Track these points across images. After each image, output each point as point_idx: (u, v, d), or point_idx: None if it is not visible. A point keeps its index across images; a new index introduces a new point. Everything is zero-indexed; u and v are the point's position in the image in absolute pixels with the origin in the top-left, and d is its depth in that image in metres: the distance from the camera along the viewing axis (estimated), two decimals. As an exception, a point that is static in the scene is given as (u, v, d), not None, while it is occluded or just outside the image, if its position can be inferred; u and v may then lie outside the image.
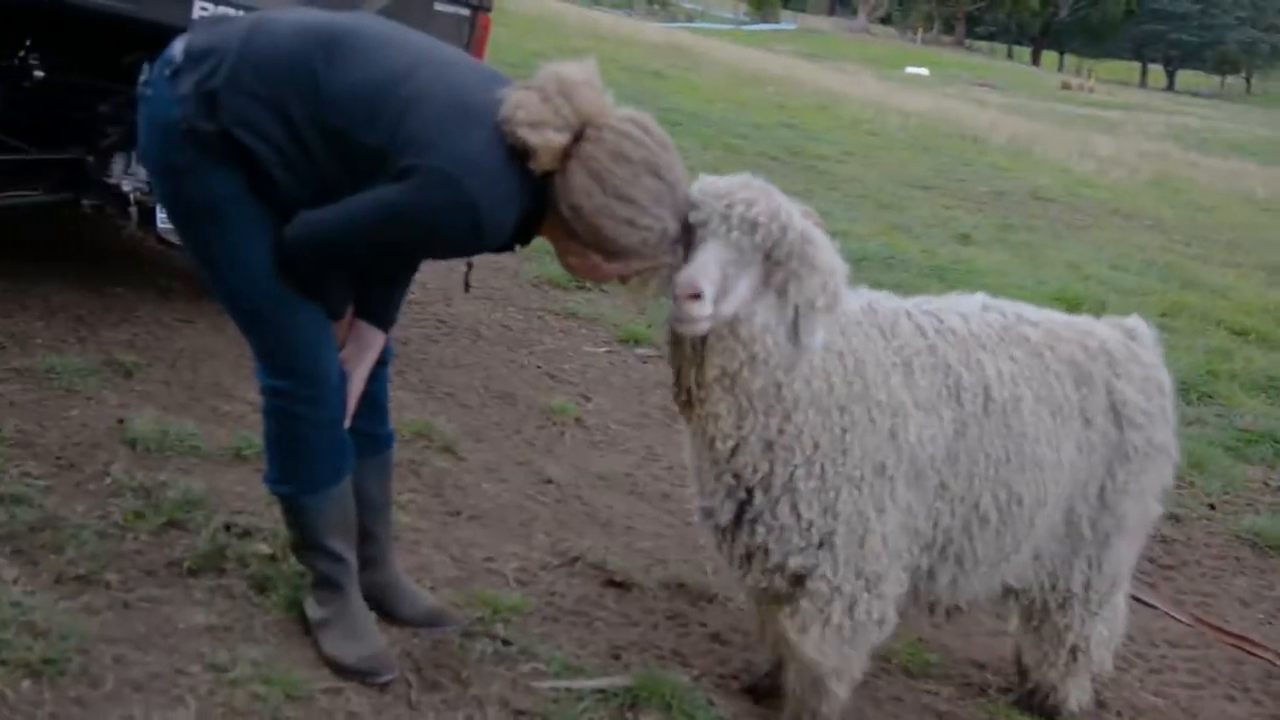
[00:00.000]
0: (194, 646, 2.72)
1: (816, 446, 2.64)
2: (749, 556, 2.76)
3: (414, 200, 2.40)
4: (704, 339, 2.52)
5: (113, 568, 2.94)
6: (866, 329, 2.73)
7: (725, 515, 2.73)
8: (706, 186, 2.52)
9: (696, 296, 2.40)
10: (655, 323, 6.30)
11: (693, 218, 2.47)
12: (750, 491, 2.68)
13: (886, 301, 2.87)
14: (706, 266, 2.43)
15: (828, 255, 2.55)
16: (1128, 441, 3.02)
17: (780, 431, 2.61)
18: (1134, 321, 3.22)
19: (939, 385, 2.78)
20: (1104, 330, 3.12)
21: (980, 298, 3.06)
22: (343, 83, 2.46)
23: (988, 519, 2.85)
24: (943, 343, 2.83)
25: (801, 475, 2.64)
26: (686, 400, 2.63)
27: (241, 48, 2.49)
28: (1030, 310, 3.09)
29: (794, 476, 2.64)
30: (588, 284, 2.36)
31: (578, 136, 2.40)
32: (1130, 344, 3.11)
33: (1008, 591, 3.15)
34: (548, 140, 2.37)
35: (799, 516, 2.67)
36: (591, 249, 2.47)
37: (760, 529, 2.70)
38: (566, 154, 2.40)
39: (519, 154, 2.39)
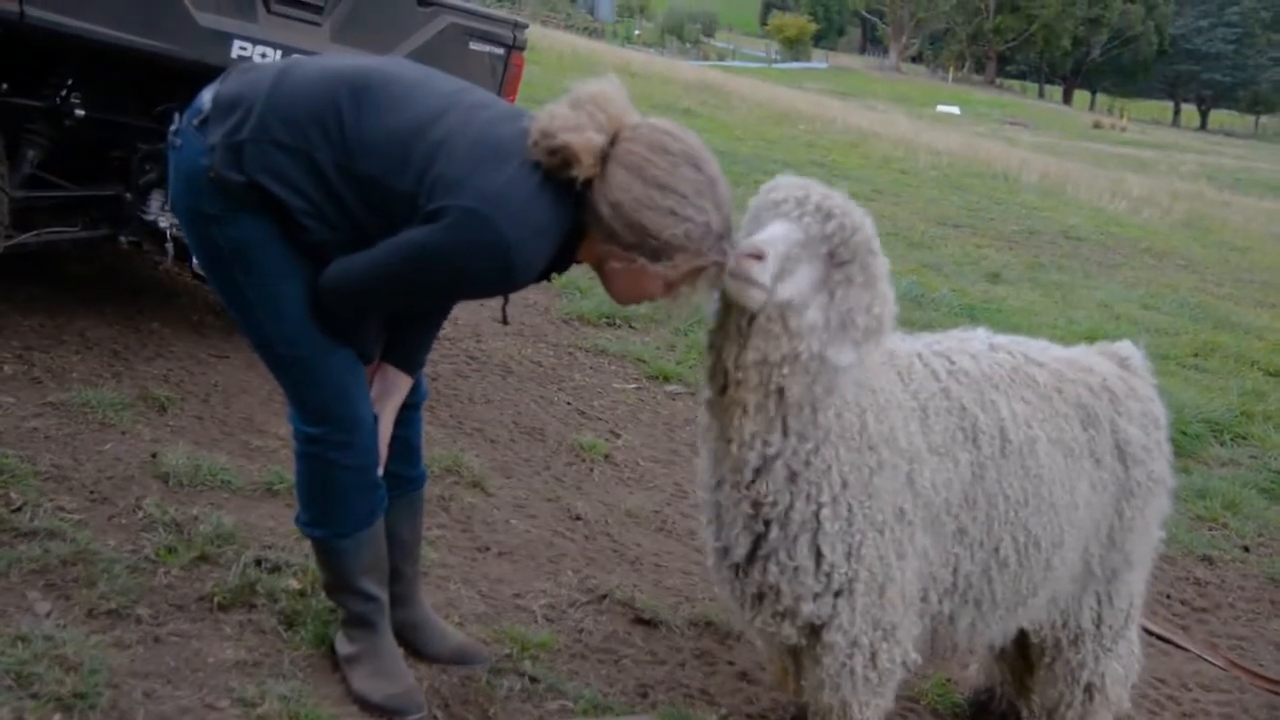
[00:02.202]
0: (223, 681, 2.73)
1: (845, 485, 2.60)
2: (760, 597, 2.71)
3: (444, 241, 2.39)
4: (751, 320, 2.45)
5: (144, 602, 2.96)
6: (889, 373, 2.71)
7: (740, 550, 2.68)
8: (784, 180, 2.52)
9: (758, 257, 2.36)
10: (685, 359, 6.33)
11: (770, 197, 2.47)
12: (768, 525, 2.63)
13: (901, 345, 2.84)
14: (773, 238, 2.40)
15: (886, 279, 2.51)
16: (1132, 479, 2.99)
17: (807, 464, 2.57)
18: (1126, 348, 3.17)
19: (954, 429, 2.75)
20: (1103, 365, 3.08)
21: (984, 334, 3.03)
22: (372, 129, 2.46)
23: (1007, 563, 2.81)
24: (956, 385, 2.80)
25: (828, 515, 2.60)
26: (721, 385, 2.54)
27: (268, 97, 2.49)
28: (1033, 347, 3.06)
29: (819, 515, 2.60)
30: (633, 305, 2.32)
31: (613, 140, 2.40)
32: (1126, 376, 3.08)
33: (1019, 631, 3.11)
34: (588, 140, 2.35)
35: (819, 558, 2.62)
36: (635, 251, 2.41)
37: (773, 567, 2.64)
38: (604, 156, 2.39)
39: (554, 171, 2.38)
